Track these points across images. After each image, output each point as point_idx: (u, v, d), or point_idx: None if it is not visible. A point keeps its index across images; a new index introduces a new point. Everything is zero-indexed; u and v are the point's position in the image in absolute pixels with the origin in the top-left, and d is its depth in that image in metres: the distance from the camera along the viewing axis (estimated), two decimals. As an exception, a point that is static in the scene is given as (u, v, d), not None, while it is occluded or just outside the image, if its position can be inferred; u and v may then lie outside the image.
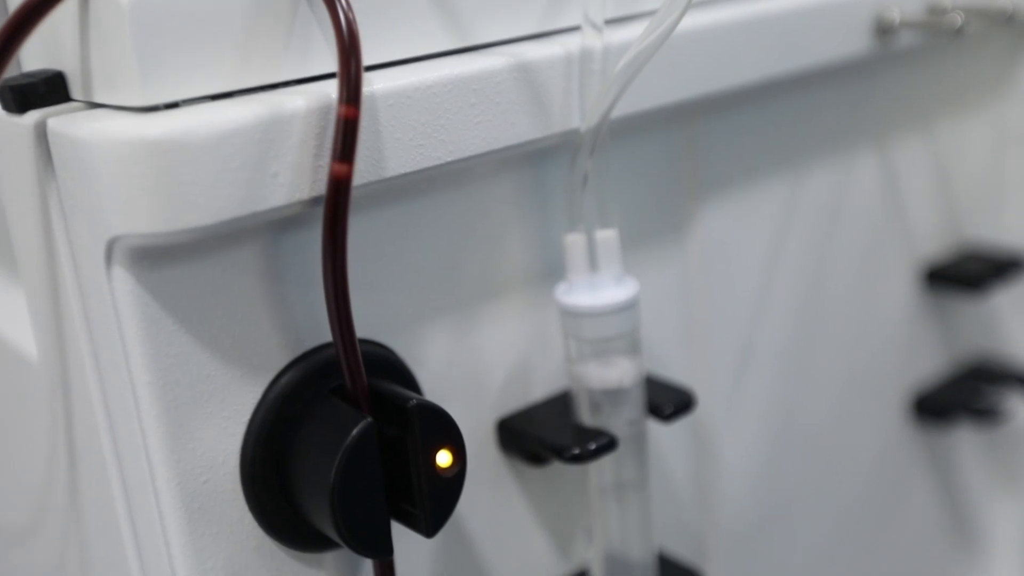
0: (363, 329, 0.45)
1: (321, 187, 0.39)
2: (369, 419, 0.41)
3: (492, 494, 0.51)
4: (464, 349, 0.49)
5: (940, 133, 0.70)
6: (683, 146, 0.56)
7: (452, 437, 0.43)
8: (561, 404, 0.52)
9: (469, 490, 0.50)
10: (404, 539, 0.47)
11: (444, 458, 0.43)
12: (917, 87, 0.68)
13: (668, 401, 0.51)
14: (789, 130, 0.61)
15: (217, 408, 0.42)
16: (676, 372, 0.58)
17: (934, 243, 0.71)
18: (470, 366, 0.49)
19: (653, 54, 0.45)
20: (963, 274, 0.70)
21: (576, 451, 0.48)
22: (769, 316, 0.62)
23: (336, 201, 0.39)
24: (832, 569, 0.69)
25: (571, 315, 0.48)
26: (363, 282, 0.45)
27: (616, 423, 0.49)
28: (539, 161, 0.50)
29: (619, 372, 0.49)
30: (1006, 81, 0.74)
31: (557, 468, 0.53)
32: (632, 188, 0.54)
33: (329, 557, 0.46)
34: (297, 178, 0.39)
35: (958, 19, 0.60)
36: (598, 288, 0.48)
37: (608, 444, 0.48)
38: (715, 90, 0.53)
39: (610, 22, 0.49)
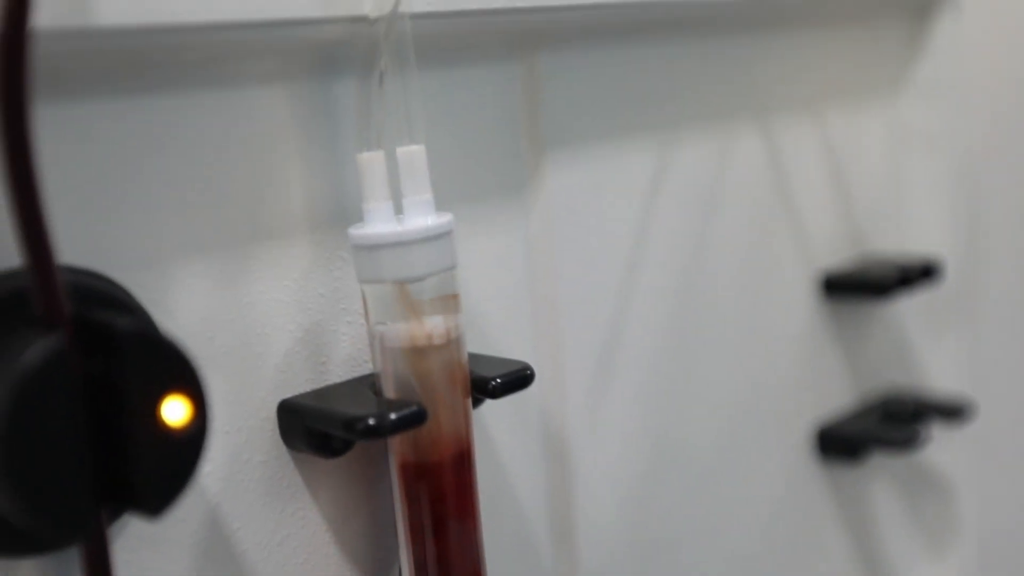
0: (81, 257, 0.34)
1: None
2: (60, 337, 0.30)
3: (271, 499, 0.40)
4: (229, 301, 0.38)
5: (831, 124, 0.62)
6: (521, 82, 0.47)
7: (184, 379, 0.32)
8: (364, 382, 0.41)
9: (236, 496, 0.39)
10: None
11: (177, 410, 0.32)
12: (805, 67, 0.60)
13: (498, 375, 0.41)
14: (654, 82, 0.52)
15: None
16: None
17: (832, 252, 0.62)
18: (238, 325, 0.38)
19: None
20: (865, 280, 0.60)
21: (372, 422, 0.37)
22: (637, 313, 0.52)
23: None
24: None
25: (366, 251, 0.38)
26: (85, 198, 0.35)
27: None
28: (329, 76, 0.40)
29: (430, 325, 0.38)
30: (902, 77, 0.67)
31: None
32: (457, 132, 0.45)
33: (26, 567, 0.34)
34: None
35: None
36: (401, 217, 0.38)
37: (416, 415, 0.37)
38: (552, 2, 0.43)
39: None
